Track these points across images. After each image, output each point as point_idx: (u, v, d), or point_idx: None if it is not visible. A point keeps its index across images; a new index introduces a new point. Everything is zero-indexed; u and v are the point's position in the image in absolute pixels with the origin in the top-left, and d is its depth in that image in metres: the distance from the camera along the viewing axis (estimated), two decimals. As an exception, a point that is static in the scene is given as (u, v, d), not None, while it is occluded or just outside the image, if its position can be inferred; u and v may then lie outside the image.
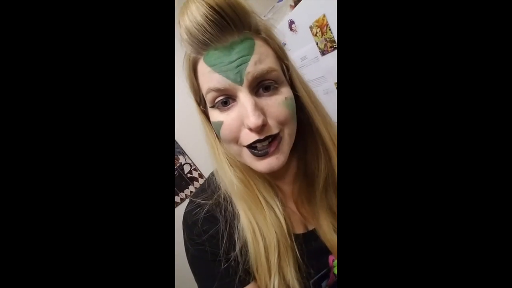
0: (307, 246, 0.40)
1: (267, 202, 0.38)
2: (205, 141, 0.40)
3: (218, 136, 0.37)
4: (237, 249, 0.37)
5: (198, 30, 0.29)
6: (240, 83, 0.30)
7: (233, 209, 0.38)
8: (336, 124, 0.41)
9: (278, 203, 0.39)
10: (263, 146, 0.32)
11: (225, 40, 0.29)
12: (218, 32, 0.29)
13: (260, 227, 0.37)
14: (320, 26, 0.92)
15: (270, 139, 0.32)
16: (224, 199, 0.39)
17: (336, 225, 0.41)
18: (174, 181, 1.54)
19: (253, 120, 0.29)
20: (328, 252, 0.41)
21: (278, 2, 1.24)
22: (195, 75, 0.34)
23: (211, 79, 0.31)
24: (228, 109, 0.32)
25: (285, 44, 0.36)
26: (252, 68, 0.30)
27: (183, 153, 1.58)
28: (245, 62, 0.30)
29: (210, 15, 0.28)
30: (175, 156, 1.56)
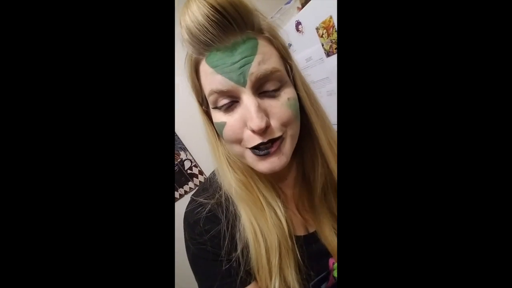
0: (307, 248, 0.40)
1: (268, 203, 0.38)
2: (206, 141, 0.39)
3: (219, 136, 0.36)
4: (239, 249, 0.36)
5: (199, 31, 0.28)
6: (243, 84, 0.29)
7: (234, 210, 0.38)
8: (334, 128, 0.41)
9: (279, 205, 0.38)
10: (265, 146, 0.32)
11: (227, 40, 0.29)
12: (220, 33, 0.28)
13: (262, 228, 0.36)
14: (327, 28, 0.92)
15: (273, 140, 0.32)
16: (226, 199, 0.39)
17: (337, 228, 0.40)
18: (174, 176, 1.55)
19: (257, 122, 0.29)
20: (328, 254, 0.41)
21: (286, 4, 1.24)
22: (197, 76, 0.33)
23: (213, 80, 0.30)
24: (231, 110, 0.32)
25: (291, 45, 0.36)
26: (256, 68, 0.29)
27: (184, 149, 1.58)
28: (248, 62, 0.29)
29: (212, 15, 0.27)
30: (176, 152, 1.56)
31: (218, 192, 0.39)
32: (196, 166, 1.62)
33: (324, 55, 1.00)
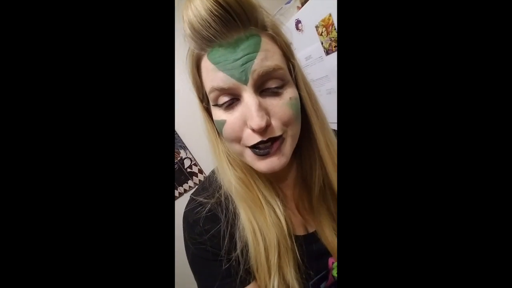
0: (307, 247, 0.40)
1: (267, 201, 0.38)
2: (206, 138, 0.39)
3: (219, 134, 0.36)
4: (238, 249, 0.36)
5: (202, 26, 0.27)
6: (245, 82, 0.29)
7: (234, 209, 0.38)
8: (333, 127, 0.41)
9: (279, 203, 0.38)
10: (265, 146, 0.31)
11: (230, 36, 0.28)
12: (223, 28, 0.27)
13: (261, 227, 0.36)
14: (326, 26, 0.92)
15: (273, 139, 0.32)
16: (225, 198, 0.39)
17: (336, 228, 0.40)
18: (174, 174, 1.55)
19: (257, 121, 0.28)
20: (328, 254, 0.41)
21: (286, 3, 1.24)
22: (198, 72, 0.33)
23: (215, 77, 0.30)
24: (232, 108, 0.31)
25: (291, 43, 0.36)
26: (258, 65, 0.29)
27: (185, 148, 1.58)
28: (251, 60, 0.28)
29: (215, 9, 0.26)
30: (176, 150, 1.56)
31: (218, 191, 0.39)
32: (196, 164, 1.62)
33: (323, 53, 1.00)
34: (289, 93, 0.32)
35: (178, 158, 1.57)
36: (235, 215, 0.38)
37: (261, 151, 0.32)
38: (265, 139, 0.31)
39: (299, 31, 1.06)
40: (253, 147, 0.32)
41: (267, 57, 0.29)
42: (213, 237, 0.37)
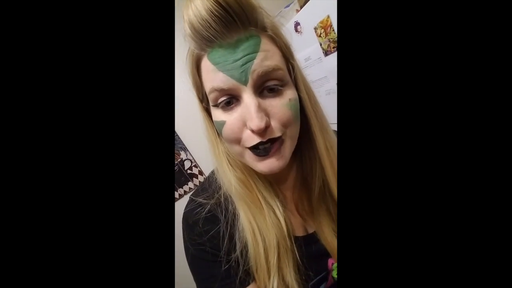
0: (306, 248, 0.40)
1: (267, 202, 0.38)
2: (206, 139, 0.39)
3: (219, 135, 0.36)
4: (238, 250, 0.36)
5: (202, 26, 0.27)
6: (245, 83, 0.29)
7: (234, 209, 0.38)
8: (334, 128, 0.41)
9: (278, 204, 0.38)
10: (264, 147, 0.31)
11: (230, 37, 0.28)
12: (223, 29, 0.27)
13: (260, 228, 0.36)
14: (324, 27, 0.93)
15: (272, 140, 0.32)
16: (225, 198, 0.39)
17: (336, 229, 0.40)
18: (174, 176, 1.55)
19: (256, 122, 0.28)
20: (328, 255, 0.41)
21: (285, 7, 1.25)
22: (198, 72, 0.33)
23: (215, 78, 0.30)
24: (231, 109, 0.31)
25: (290, 45, 0.36)
26: (258, 65, 0.29)
27: (185, 149, 1.58)
28: (251, 60, 0.29)
29: (216, 10, 0.26)
30: (177, 151, 1.56)
31: (218, 192, 0.39)
32: (196, 166, 1.62)
33: (322, 55, 1.00)
34: (289, 94, 0.32)
35: (179, 160, 1.57)
36: (234, 216, 0.38)
37: (261, 152, 0.32)
38: (264, 140, 0.31)
39: (298, 33, 1.06)
40: (253, 148, 0.32)
41: (266, 58, 0.30)
42: (212, 238, 0.37)
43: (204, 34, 0.28)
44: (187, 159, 1.59)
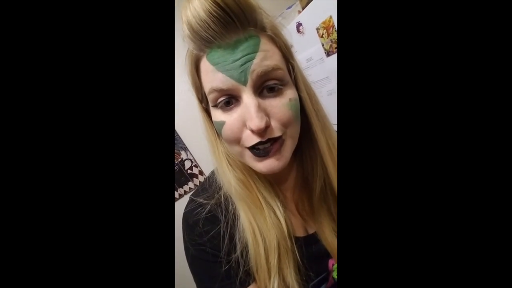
0: (307, 249, 0.39)
1: (267, 202, 0.38)
2: (205, 139, 0.39)
3: (219, 135, 0.36)
4: (238, 250, 0.36)
5: (201, 27, 0.27)
6: (244, 83, 0.29)
7: (234, 210, 0.38)
8: (334, 130, 0.41)
9: (279, 204, 0.38)
10: (264, 147, 0.31)
11: (229, 37, 0.28)
12: (222, 29, 0.27)
13: (260, 228, 0.36)
14: (327, 28, 0.93)
15: (272, 140, 0.31)
16: (225, 199, 0.39)
17: (336, 229, 0.40)
18: (174, 176, 1.55)
19: (256, 122, 0.28)
20: (328, 256, 0.41)
21: (288, 8, 1.25)
22: (197, 73, 0.33)
23: (214, 78, 0.30)
24: (231, 109, 0.31)
25: (292, 46, 0.35)
26: (257, 65, 0.29)
27: (185, 149, 1.58)
28: (250, 60, 0.28)
29: (214, 11, 0.26)
30: (177, 151, 1.56)
31: (218, 192, 0.39)
32: (196, 166, 1.62)
33: (324, 55, 1.00)
34: (289, 94, 0.32)
35: (179, 159, 1.57)
36: (235, 216, 0.38)
37: (261, 152, 0.32)
38: (264, 140, 0.31)
39: (300, 33, 1.06)
40: (253, 148, 0.32)
41: (266, 57, 0.29)
42: (212, 238, 0.37)
43: (202, 35, 0.28)
44: (188, 159, 1.59)
